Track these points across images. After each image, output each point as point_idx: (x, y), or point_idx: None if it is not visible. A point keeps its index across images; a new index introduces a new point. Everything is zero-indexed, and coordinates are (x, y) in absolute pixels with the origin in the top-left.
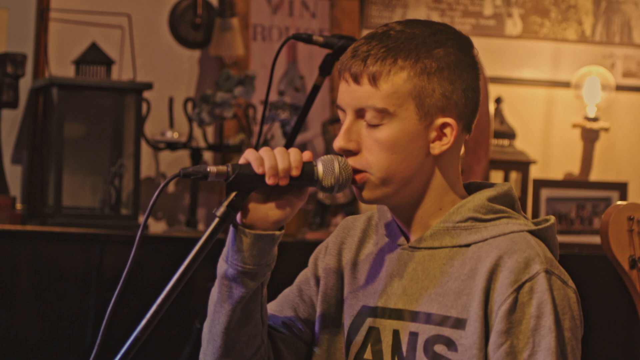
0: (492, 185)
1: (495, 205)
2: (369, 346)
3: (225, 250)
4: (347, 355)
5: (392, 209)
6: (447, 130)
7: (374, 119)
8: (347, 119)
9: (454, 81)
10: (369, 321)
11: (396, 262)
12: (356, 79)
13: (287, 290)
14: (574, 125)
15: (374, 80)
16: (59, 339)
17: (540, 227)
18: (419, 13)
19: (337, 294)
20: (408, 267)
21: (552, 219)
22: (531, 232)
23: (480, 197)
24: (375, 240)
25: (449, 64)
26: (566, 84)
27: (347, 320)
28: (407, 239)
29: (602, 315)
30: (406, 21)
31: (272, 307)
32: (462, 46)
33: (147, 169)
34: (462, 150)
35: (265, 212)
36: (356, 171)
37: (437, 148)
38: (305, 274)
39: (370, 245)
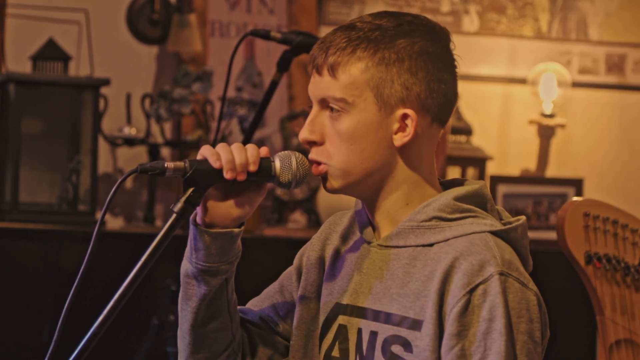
0: (463, 183)
1: (463, 204)
2: (337, 344)
3: (187, 248)
4: (320, 351)
5: (362, 201)
6: (408, 122)
7: (334, 110)
8: (312, 110)
9: (416, 72)
10: (339, 319)
11: (366, 260)
12: (318, 70)
13: (270, 286)
14: (531, 122)
15: (332, 70)
16: (16, 335)
17: (504, 228)
18: (376, 10)
19: (317, 289)
20: (375, 265)
21: (522, 219)
22: (494, 232)
23: (446, 196)
24: (355, 237)
25: (411, 54)
26: (522, 81)
27: (321, 317)
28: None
29: (558, 311)
30: (378, 13)
31: (252, 302)
32: (433, 37)
33: (104, 165)
34: None
35: (225, 209)
36: (317, 162)
37: (398, 139)
38: (289, 270)
39: (351, 241)
